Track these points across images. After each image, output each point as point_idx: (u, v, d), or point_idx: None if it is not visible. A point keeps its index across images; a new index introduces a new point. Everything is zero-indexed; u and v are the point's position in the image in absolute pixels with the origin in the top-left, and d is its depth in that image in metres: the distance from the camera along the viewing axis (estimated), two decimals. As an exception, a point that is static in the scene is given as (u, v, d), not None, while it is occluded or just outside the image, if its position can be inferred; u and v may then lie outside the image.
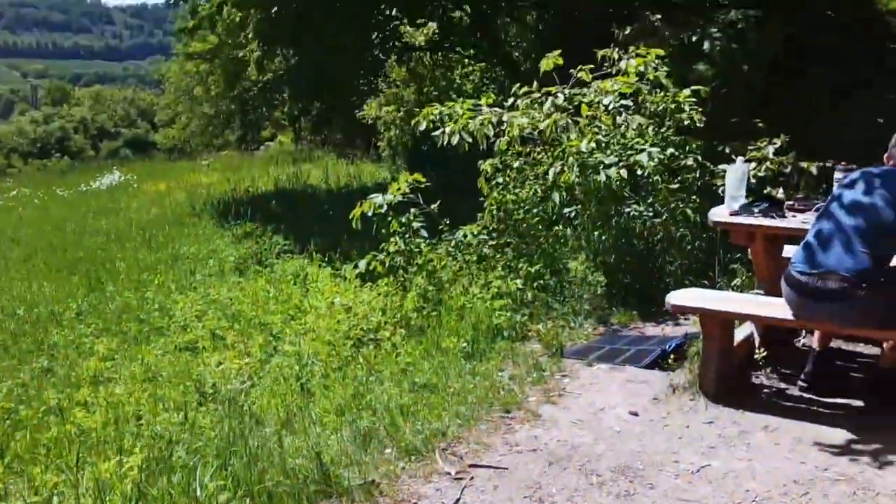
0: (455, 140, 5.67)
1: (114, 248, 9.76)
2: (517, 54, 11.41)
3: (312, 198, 12.66)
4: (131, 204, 14.18)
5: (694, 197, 5.58)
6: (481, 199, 6.36)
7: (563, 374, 4.26)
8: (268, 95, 23.64)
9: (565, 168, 5.44)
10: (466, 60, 14.17)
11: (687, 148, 5.70)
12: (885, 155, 3.54)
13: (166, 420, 4.60)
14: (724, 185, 4.30)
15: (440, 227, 6.59)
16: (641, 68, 5.75)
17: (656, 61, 5.81)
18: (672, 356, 4.19)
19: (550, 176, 5.60)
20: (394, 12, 13.08)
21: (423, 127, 5.98)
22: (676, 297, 3.81)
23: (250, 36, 13.82)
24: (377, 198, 5.84)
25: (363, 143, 20.47)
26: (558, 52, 6.00)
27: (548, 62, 6.00)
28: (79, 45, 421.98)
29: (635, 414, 3.65)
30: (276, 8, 11.95)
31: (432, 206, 6.18)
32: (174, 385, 5.30)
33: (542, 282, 5.64)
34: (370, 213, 5.84)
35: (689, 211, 5.49)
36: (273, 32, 11.85)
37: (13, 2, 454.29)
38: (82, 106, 73.08)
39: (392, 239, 6.03)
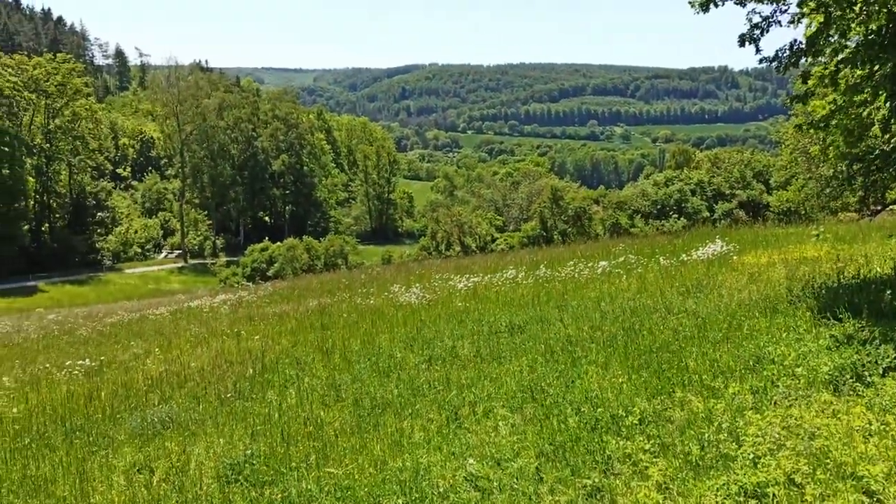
0: None
1: (695, 338, 9.02)
2: None
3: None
4: (725, 280, 13.36)
5: None
6: None
7: None
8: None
9: None
10: None
11: None
12: None
13: None
14: None
15: None
16: None
17: None
18: None
19: None
20: None
21: None
22: None
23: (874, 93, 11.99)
24: None
25: None
26: None
27: None
28: (704, 109, 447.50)
29: None
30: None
31: None
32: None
33: None
34: None
35: None
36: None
37: (649, 75, 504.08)
38: (700, 168, 76.05)
39: None
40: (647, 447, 5.95)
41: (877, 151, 21.31)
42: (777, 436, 5.72)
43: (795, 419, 6.03)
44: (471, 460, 6.19)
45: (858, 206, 43.34)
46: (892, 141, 14.83)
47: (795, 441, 5.61)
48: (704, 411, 6.49)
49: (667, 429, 6.27)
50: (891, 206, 42.30)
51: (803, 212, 50.04)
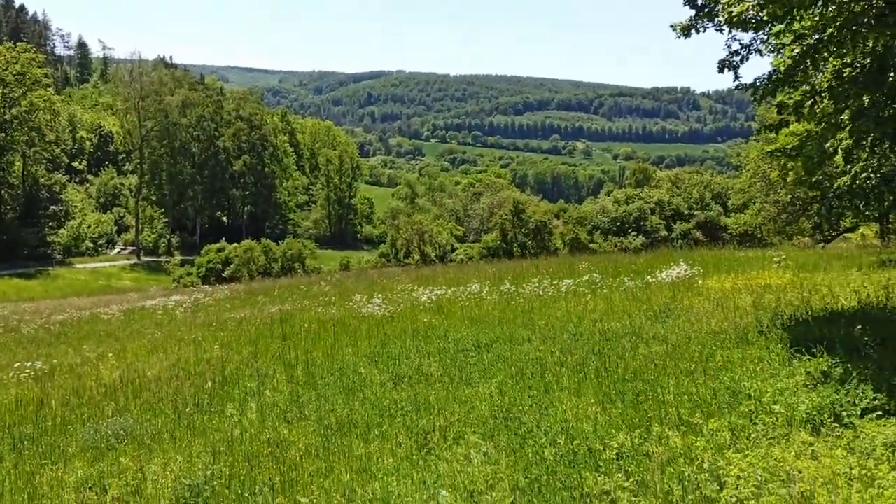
0: None
1: (668, 367, 8.90)
2: None
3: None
4: (692, 305, 13.32)
5: None
6: None
7: None
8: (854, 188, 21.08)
9: None
10: None
11: None
12: None
13: None
14: None
15: None
16: None
17: None
18: None
19: None
20: None
21: None
22: None
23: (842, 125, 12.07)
24: None
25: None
26: None
27: None
28: (665, 129, 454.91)
29: None
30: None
31: None
32: None
33: None
34: None
35: None
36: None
37: (613, 92, 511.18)
38: (661, 187, 76.81)
39: None
40: (626, 485, 5.76)
41: (838, 182, 21.61)
42: (759, 478, 5.59)
43: (776, 460, 5.91)
44: (443, 492, 5.94)
45: (813, 231, 44.05)
46: (853, 171, 15.06)
47: (778, 485, 5.48)
48: (684, 448, 6.34)
49: (646, 465, 6.10)
50: (844, 234, 43.12)
51: (759, 235, 50.77)
